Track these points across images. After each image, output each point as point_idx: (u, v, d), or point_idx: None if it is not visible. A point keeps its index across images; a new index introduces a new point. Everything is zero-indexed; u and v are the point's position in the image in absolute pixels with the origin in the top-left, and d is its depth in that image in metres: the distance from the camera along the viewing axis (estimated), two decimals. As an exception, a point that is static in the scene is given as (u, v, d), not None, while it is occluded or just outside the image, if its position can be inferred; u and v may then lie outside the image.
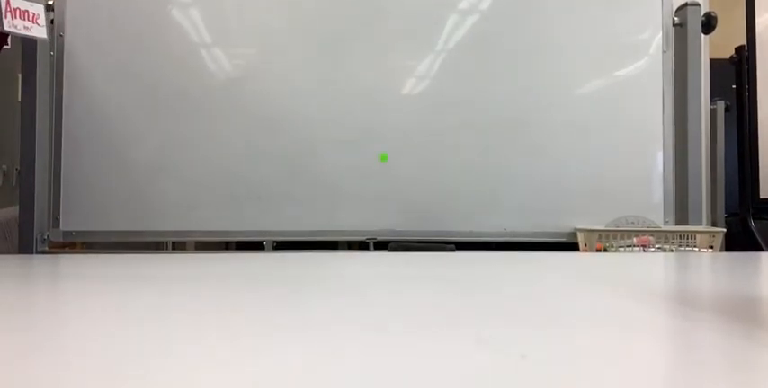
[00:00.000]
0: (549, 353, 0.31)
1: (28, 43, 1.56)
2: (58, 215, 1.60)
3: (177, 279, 0.60)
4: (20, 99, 1.60)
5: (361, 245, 1.69)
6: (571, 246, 1.59)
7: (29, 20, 1.34)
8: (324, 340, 0.33)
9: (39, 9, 1.39)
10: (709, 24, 1.67)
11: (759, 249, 2.32)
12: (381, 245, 1.61)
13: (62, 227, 1.60)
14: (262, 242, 1.78)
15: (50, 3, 1.59)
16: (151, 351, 0.31)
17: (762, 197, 2.40)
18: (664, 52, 1.66)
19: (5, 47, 1.51)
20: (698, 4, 1.66)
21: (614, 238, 1.50)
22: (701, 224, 1.62)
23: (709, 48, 1.90)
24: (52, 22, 1.60)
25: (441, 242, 1.57)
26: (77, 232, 1.61)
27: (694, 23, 1.65)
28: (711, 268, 0.77)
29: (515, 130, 1.65)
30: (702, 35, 1.67)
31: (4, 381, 0.25)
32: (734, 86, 2.47)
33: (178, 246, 2.19)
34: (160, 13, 1.63)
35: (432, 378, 0.26)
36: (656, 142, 1.66)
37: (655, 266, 0.77)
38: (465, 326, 0.37)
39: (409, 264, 0.75)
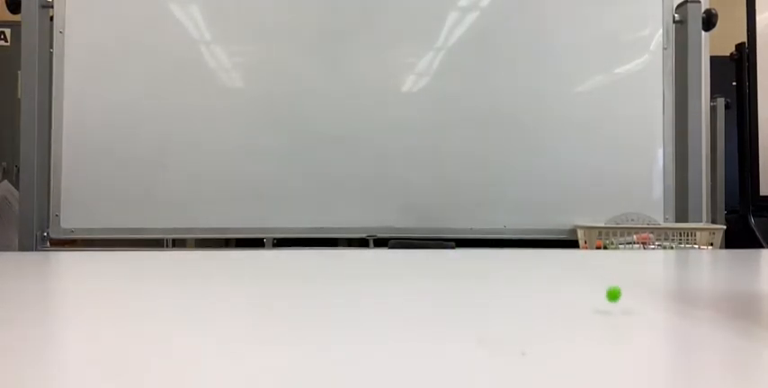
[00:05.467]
0: (550, 351, 0.31)
1: (28, 40, 1.56)
2: (58, 212, 1.60)
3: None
4: (20, 96, 1.59)
5: (361, 242, 1.69)
6: (571, 243, 1.59)
7: None
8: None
9: None
10: (709, 21, 1.67)
11: (759, 246, 2.32)
12: (381, 242, 1.61)
13: (62, 225, 1.60)
14: (261, 240, 1.78)
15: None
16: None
17: (762, 194, 2.40)
18: (664, 49, 1.66)
19: (5, 44, 1.50)
20: (698, 1, 1.66)
21: (614, 235, 1.50)
22: (700, 222, 1.62)
23: (709, 45, 1.90)
24: (51, 19, 1.60)
25: (441, 240, 1.57)
26: (77, 229, 1.61)
27: (695, 20, 1.65)
28: (711, 265, 0.77)
29: (515, 127, 1.65)
30: (703, 32, 1.67)
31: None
32: (734, 83, 2.47)
33: (178, 243, 2.19)
34: (160, 10, 1.63)
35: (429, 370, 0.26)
36: (656, 139, 1.66)
37: (655, 263, 0.77)
38: (466, 324, 0.37)
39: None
